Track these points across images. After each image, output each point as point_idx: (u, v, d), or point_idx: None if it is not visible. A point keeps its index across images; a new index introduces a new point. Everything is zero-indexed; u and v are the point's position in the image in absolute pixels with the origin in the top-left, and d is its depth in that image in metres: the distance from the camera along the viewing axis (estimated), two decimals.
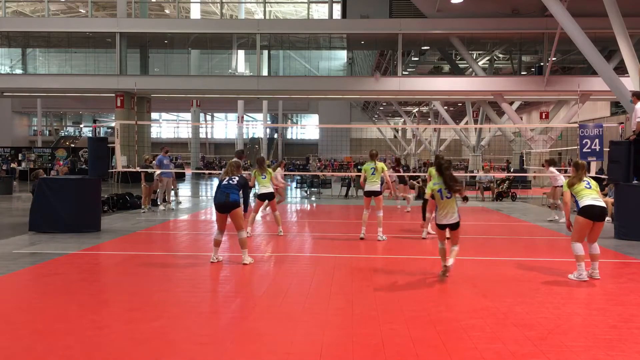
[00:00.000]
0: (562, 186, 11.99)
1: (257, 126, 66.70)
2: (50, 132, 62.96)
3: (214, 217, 12.68)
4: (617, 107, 32.14)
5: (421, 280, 6.51)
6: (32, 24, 28.62)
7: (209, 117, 66.60)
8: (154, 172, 14.02)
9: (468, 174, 23.84)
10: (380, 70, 33.92)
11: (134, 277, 6.51)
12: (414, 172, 28.22)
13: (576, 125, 11.92)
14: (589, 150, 10.99)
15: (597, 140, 10.91)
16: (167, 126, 69.49)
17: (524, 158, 28.24)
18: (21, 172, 28.85)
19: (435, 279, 6.62)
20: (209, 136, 66.83)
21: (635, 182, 9.88)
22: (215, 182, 27.45)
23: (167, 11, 37.20)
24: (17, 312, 5.08)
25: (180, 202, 16.11)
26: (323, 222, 12.59)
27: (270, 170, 10.28)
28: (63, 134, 62.67)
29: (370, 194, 9.35)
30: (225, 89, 27.27)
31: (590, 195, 6.47)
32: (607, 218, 7.27)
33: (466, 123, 40.38)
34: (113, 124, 32.05)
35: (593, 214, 6.37)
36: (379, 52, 31.41)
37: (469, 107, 37.16)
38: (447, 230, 6.62)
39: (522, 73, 29.35)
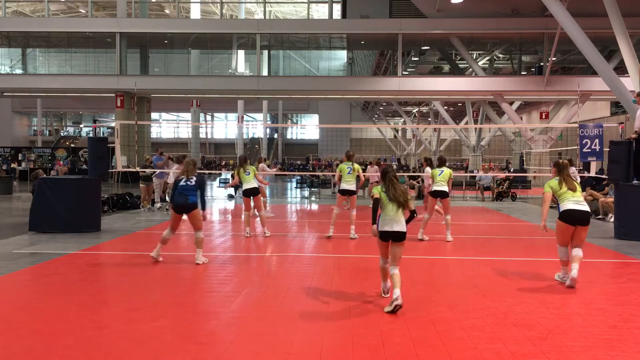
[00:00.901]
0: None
1: (257, 126, 66.70)
2: (50, 132, 62.94)
3: (211, 217, 12.68)
4: (617, 107, 32.14)
5: (421, 281, 6.51)
6: (32, 24, 28.63)
7: (209, 117, 66.58)
8: (153, 172, 14.04)
9: (468, 174, 23.84)
10: (380, 70, 33.95)
11: (134, 277, 6.51)
12: (414, 172, 28.23)
13: (576, 125, 11.92)
14: (589, 150, 10.99)
15: (597, 140, 10.90)
16: (167, 126, 69.44)
17: (524, 158, 28.25)
18: (21, 172, 28.87)
19: (436, 279, 6.61)
20: (209, 136, 66.78)
21: (635, 182, 9.87)
22: (216, 182, 27.45)
23: (167, 11, 37.20)
24: (17, 312, 5.08)
25: None
26: (323, 222, 12.58)
27: (252, 167, 10.25)
28: (63, 134, 62.68)
29: (345, 192, 9.53)
30: (225, 89, 27.29)
31: (573, 198, 6.13)
32: (610, 215, 7.08)
33: (466, 123, 40.39)
34: (113, 124, 32.05)
35: (573, 218, 6.05)
36: (379, 52, 31.41)
37: (469, 107, 37.17)
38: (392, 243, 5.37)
39: (522, 73, 29.36)
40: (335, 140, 54.78)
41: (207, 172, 34.81)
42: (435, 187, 9.41)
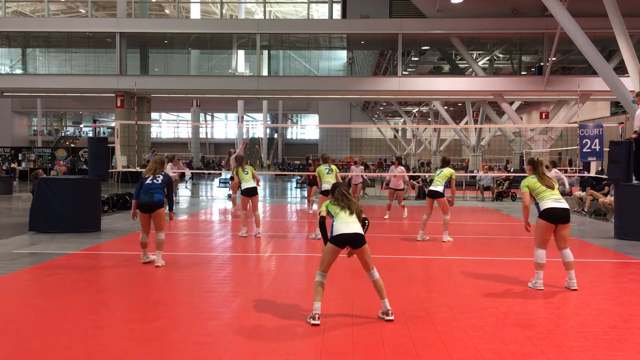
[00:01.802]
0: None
1: (257, 126, 66.71)
2: (50, 132, 62.95)
3: (211, 217, 12.68)
4: (617, 107, 32.15)
5: (421, 281, 6.51)
6: (32, 24, 28.61)
7: (209, 117, 66.59)
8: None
9: (468, 174, 23.83)
10: (380, 70, 33.94)
11: (134, 277, 6.51)
12: (413, 171, 28.22)
13: (576, 125, 11.92)
14: (589, 150, 11.00)
15: (597, 140, 10.91)
16: (167, 126, 69.43)
17: (524, 158, 28.22)
18: (21, 172, 28.87)
19: (436, 279, 6.61)
20: (209, 136, 66.80)
21: (635, 182, 9.87)
22: (215, 182, 27.46)
23: (167, 11, 37.21)
24: (17, 312, 5.08)
25: (179, 202, 16.11)
26: None
27: (250, 167, 10.24)
28: (63, 134, 62.70)
29: (327, 193, 9.53)
30: (225, 89, 27.28)
31: (552, 196, 5.96)
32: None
33: (466, 123, 40.38)
34: (113, 124, 32.05)
35: (554, 216, 5.89)
36: (379, 52, 31.41)
37: (469, 107, 37.16)
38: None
39: (522, 73, 29.36)
40: (335, 140, 54.79)
41: (206, 172, 34.83)
42: (431, 187, 9.60)
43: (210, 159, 54.46)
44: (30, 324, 4.70)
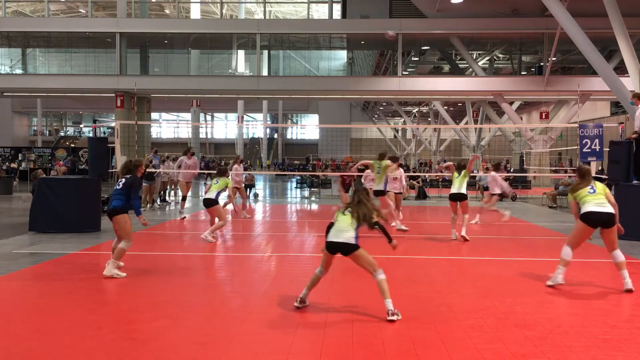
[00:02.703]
0: (498, 194, 12.20)
1: (257, 126, 66.72)
2: (50, 132, 62.97)
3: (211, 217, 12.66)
4: (617, 107, 32.16)
5: (421, 281, 6.51)
6: (32, 24, 28.64)
7: (209, 117, 66.60)
8: (155, 172, 14.05)
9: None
10: (380, 70, 33.93)
11: (134, 277, 6.51)
12: (413, 171, 28.22)
13: (576, 125, 11.92)
14: (589, 150, 10.99)
15: (597, 140, 10.90)
16: (167, 126, 69.46)
17: (524, 158, 28.24)
18: (21, 172, 28.85)
19: (436, 279, 6.61)
20: (209, 136, 66.83)
21: (635, 182, 9.87)
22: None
23: (167, 11, 37.22)
24: (17, 312, 5.08)
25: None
26: (323, 222, 12.57)
27: (224, 179, 9.88)
28: (63, 134, 62.69)
29: (376, 193, 10.03)
30: (225, 89, 27.29)
31: (594, 200, 5.99)
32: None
33: (466, 123, 40.39)
34: (113, 124, 32.07)
35: (593, 220, 5.95)
36: (379, 52, 31.42)
37: (469, 107, 37.17)
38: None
39: (522, 73, 29.36)
40: (335, 140, 54.86)
41: (206, 172, 34.81)
42: (453, 190, 9.69)
43: (211, 159, 54.44)
44: (30, 324, 4.70)
